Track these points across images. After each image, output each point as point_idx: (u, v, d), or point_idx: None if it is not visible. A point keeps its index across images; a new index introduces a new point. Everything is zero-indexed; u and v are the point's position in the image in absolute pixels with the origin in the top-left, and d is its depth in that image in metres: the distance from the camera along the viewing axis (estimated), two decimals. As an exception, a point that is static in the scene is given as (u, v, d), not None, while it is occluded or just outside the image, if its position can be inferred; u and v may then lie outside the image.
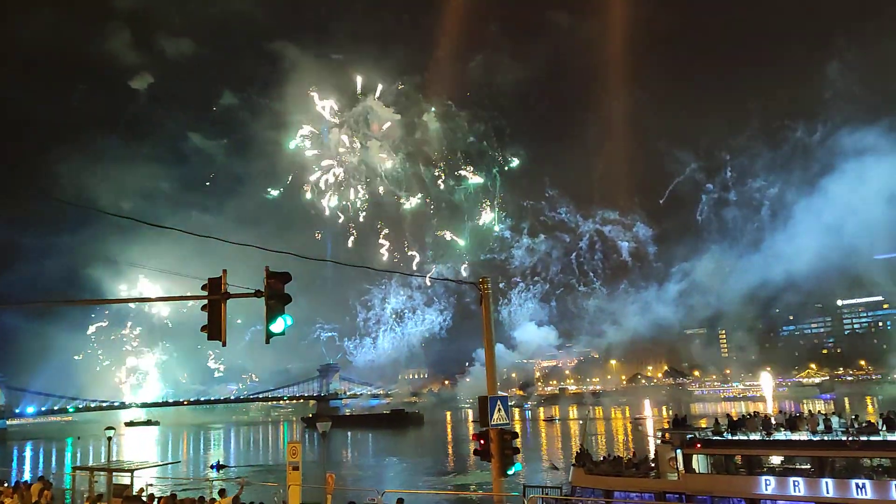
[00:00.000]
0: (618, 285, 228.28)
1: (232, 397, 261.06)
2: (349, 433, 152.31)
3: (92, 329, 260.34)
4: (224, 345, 16.68)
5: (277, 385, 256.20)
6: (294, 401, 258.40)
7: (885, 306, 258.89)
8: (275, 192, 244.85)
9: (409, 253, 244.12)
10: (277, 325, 16.29)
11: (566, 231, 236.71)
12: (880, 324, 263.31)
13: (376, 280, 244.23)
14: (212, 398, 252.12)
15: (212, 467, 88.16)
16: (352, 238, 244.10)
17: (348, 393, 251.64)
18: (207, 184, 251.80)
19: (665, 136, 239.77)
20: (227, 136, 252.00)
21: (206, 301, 16.59)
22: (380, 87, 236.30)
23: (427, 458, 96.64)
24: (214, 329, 16.52)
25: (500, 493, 19.63)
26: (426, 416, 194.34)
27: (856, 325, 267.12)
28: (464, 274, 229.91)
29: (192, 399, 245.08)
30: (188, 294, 17.85)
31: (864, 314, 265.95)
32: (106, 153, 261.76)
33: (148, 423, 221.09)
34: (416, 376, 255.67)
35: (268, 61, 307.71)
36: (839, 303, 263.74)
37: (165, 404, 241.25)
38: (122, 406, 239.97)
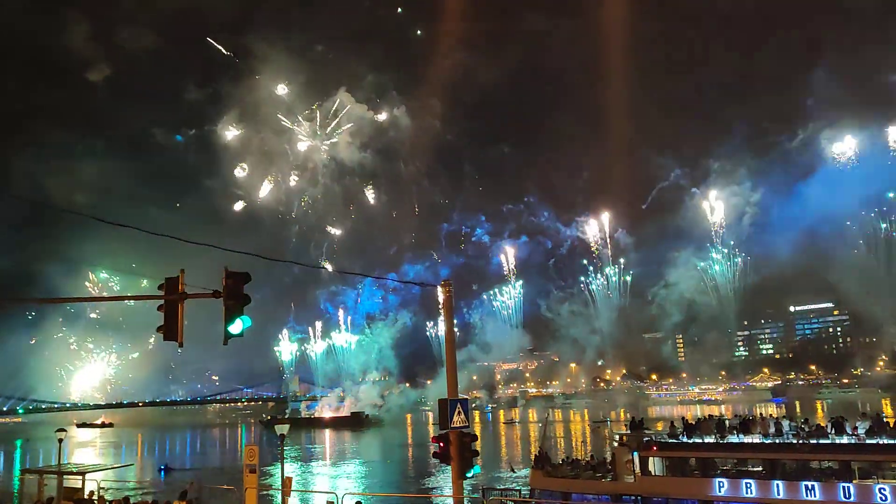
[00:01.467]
0: (583, 290, 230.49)
1: (189, 399, 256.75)
2: (308, 435, 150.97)
3: (42, 328, 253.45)
4: (181, 346, 16.38)
5: (237, 386, 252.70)
6: (252, 403, 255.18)
7: (836, 312, 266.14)
8: (240, 188, 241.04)
9: (389, 252, 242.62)
10: (235, 327, 16.08)
11: (546, 235, 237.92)
12: (830, 329, 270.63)
13: (349, 281, 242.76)
14: (168, 399, 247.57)
15: (159, 470, 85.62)
16: (315, 235, 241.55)
17: (307, 395, 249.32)
18: (175, 185, 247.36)
19: (648, 140, 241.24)
20: (192, 131, 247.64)
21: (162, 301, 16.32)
22: (351, 83, 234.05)
23: (386, 460, 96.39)
24: (171, 330, 16.23)
25: (458, 496, 19.65)
26: (391, 418, 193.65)
27: (807, 331, 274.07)
28: (443, 275, 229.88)
29: (147, 400, 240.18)
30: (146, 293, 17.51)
31: (815, 320, 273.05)
32: (61, 147, 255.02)
33: (101, 424, 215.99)
34: (383, 379, 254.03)
35: (235, 55, 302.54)
36: (791, 309, 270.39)
37: (119, 405, 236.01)
38: (74, 407, 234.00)
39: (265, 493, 42.67)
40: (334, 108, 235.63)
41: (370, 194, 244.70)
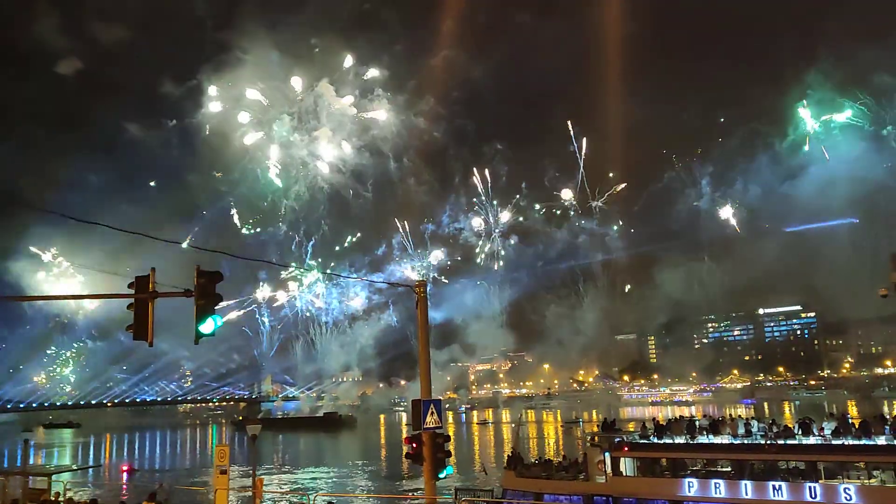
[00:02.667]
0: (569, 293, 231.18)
1: (159, 399, 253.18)
2: (281, 436, 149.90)
3: (8, 326, 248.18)
4: (151, 345, 16.15)
5: (208, 386, 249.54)
6: (224, 403, 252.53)
7: (803, 315, 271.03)
8: (222, 185, 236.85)
9: (376, 251, 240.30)
10: (207, 326, 15.92)
11: (536, 237, 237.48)
12: (798, 332, 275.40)
13: (334, 279, 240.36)
14: (137, 399, 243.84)
15: (123, 472, 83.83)
16: (301, 230, 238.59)
17: (280, 395, 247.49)
18: (150, 181, 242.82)
19: (643, 142, 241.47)
20: (168, 127, 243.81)
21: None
22: (334, 77, 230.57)
23: (359, 461, 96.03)
24: (141, 329, 16.01)
25: (431, 496, 19.65)
26: (368, 418, 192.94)
27: (776, 333, 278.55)
28: (432, 275, 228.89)
29: (116, 400, 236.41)
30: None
31: (784, 322, 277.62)
32: (30, 142, 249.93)
33: (69, 425, 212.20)
34: (360, 378, 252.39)
35: (213, 50, 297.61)
36: (760, 311, 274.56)
37: (88, 406, 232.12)
38: (42, 407, 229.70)
39: (236, 494, 42.28)
40: (316, 102, 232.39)
41: (354, 191, 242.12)
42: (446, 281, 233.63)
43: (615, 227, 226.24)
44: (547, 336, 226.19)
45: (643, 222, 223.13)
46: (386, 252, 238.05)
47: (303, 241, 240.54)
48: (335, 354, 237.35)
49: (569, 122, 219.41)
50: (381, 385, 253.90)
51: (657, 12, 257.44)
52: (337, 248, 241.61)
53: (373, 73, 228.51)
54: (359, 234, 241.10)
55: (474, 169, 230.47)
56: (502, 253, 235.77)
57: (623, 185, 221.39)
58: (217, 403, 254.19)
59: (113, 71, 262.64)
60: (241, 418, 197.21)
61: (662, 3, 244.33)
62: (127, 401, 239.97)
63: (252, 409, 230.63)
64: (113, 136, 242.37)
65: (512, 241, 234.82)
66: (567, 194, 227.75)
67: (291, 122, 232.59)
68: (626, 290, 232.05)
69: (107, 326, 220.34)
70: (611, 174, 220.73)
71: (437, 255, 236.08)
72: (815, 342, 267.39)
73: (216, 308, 16.12)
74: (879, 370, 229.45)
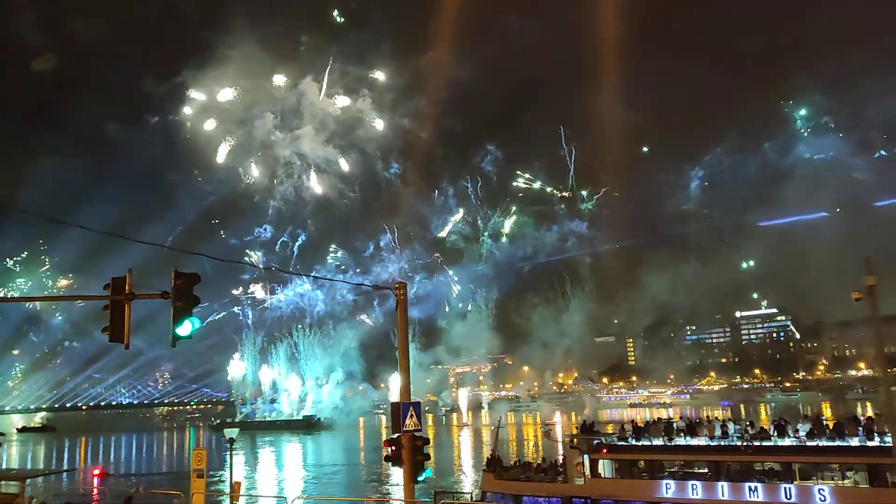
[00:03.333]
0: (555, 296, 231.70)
1: (135, 401, 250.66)
2: (258, 439, 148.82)
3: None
4: (127, 348, 15.99)
5: (186, 388, 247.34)
6: (202, 406, 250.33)
7: (779, 318, 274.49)
8: (203, 183, 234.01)
9: (363, 252, 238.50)
10: (184, 329, 15.78)
11: (523, 239, 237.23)
12: (774, 334, 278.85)
13: (318, 281, 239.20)
14: (113, 401, 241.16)
15: (94, 476, 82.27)
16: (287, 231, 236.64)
17: (258, 398, 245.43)
18: (130, 179, 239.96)
19: (633, 145, 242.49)
20: (149, 125, 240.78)
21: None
22: (320, 76, 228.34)
23: (338, 464, 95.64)
24: (117, 331, 15.83)
25: (410, 499, 19.62)
26: (350, 421, 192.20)
27: (752, 336, 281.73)
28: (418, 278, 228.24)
29: (91, 403, 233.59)
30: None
31: (760, 325, 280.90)
32: (4, 140, 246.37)
33: (43, 428, 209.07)
34: (340, 381, 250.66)
35: (196, 47, 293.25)
36: (737, 314, 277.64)
37: (62, 409, 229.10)
38: (14, 411, 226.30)
39: (213, 498, 41.92)
40: (300, 101, 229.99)
41: (340, 192, 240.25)
42: (432, 282, 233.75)
43: (601, 230, 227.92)
44: (529, 338, 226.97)
45: (630, 224, 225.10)
46: (373, 253, 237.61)
47: (288, 241, 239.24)
48: (318, 356, 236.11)
49: (561, 128, 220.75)
50: (360, 388, 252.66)
51: (646, 14, 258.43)
52: (322, 249, 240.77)
53: (359, 72, 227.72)
54: (345, 235, 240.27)
55: (462, 171, 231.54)
56: (490, 255, 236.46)
57: (607, 189, 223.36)
58: (194, 406, 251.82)
59: (92, 68, 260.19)
60: (218, 421, 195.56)
61: (651, 5, 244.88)
62: (103, 403, 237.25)
63: (230, 412, 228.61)
64: (92, 134, 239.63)
65: (498, 243, 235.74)
66: (556, 196, 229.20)
67: (274, 121, 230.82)
68: (608, 293, 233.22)
69: (83, 325, 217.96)
70: (604, 177, 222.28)
71: (423, 257, 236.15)
72: (791, 345, 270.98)
73: (194, 310, 16.00)
74: (853, 372, 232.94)
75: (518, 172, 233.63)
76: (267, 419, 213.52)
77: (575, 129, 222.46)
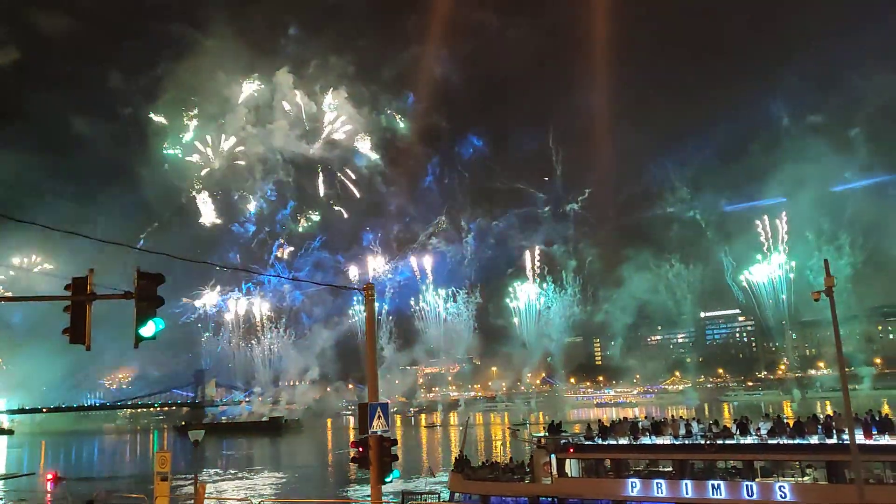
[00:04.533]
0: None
1: (98, 403, 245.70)
2: (225, 442, 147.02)
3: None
4: (88, 349, 15.65)
5: (149, 390, 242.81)
6: (167, 408, 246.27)
7: (742, 318, 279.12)
8: (172, 180, 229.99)
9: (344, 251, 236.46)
10: (148, 329, 15.51)
11: (509, 242, 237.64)
12: (737, 335, 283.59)
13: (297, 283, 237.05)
14: (75, 404, 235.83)
15: (48, 481, 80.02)
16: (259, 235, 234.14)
17: (224, 400, 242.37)
18: (97, 176, 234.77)
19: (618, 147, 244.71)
20: (115, 121, 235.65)
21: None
22: (295, 68, 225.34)
23: (306, 466, 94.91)
24: (77, 333, 15.50)
25: (377, 501, 19.55)
26: (321, 423, 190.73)
27: (716, 336, 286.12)
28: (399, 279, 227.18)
29: (51, 406, 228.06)
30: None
31: (723, 326, 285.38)
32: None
33: (0, 431, 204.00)
34: (311, 382, 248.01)
35: (162, 42, 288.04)
36: (701, 314, 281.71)
37: (21, 411, 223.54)
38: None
39: (178, 501, 41.30)
40: (273, 96, 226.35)
41: (321, 190, 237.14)
42: (411, 282, 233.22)
43: (581, 230, 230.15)
44: (500, 339, 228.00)
45: (613, 226, 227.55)
46: (354, 252, 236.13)
47: (266, 240, 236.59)
48: (289, 357, 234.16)
49: (550, 135, 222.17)
50: (328, 389, 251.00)
51: (631, 14, 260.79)
52: (302, 248, 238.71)
53: (337, 66, 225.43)
54: (326, 235, 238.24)
55: (443, 170, 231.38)
56: (473, 257, 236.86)
57: (589, 191, 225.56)
58: (159, 408, 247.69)
59: (55, 62, 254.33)
60: (183, 423, 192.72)
61: (638, 5, 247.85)
62: (63, 406, 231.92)
63: (196, 414, 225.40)
64: (56, 130, 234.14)
65: (483, 243, 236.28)
66: (541, 198, 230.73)
67: (248, 116, 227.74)
68: (583, 294, 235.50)
69: (42, 326, 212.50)
70: (589, 178, 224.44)
71: (403, 256, 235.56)
72: (753, 345, 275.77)
73: (157, 311, 15.74)
74: (813, 371, 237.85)
75: (500, 171, 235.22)
76: (236, 421, 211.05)
77: (560, 130, 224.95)
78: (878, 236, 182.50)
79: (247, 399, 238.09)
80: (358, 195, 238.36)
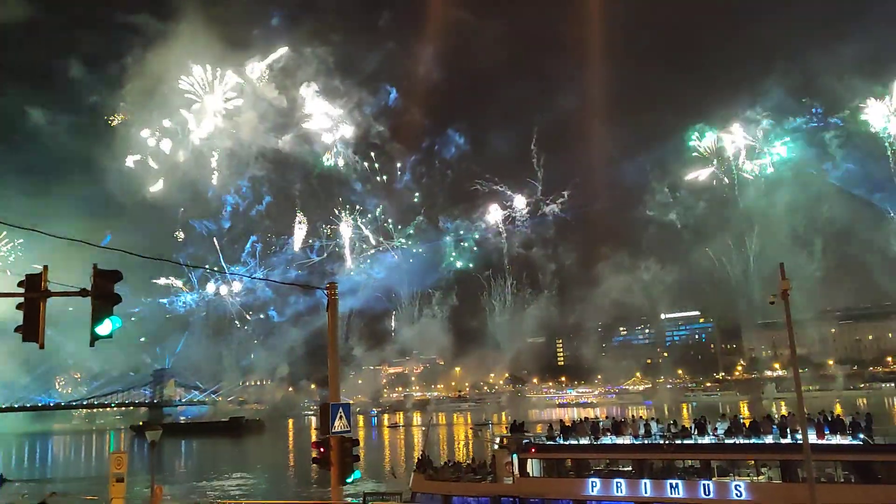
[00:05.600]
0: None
1: (52, 403, 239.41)
2: (184, 442, 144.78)
3: None
4: (41, 347, 15.29)
5: (105, 390, 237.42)
6: (123, 408, 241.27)
7: (701, 320, 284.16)
8: (133, 176, 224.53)
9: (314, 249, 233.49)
10: (104, 328, 15.22)
11: (482, 242, 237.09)
12: (696, 336, 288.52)
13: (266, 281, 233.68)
14: (27, 405, 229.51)
15: None
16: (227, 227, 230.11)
17: (184, 400, 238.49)
18: (47, 167, 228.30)
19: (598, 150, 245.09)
20: (74, 114, 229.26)
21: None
22: (269, 63, 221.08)
23: (267, 467, 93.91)
24: (30, 330, 15.14)
25: (338, 501, 19.46)
26: (284, 423, 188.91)
27: (675, 337, 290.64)
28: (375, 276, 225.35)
29: (3, 406, 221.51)
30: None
31: (683, 327, 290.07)
32: None
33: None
34: (271, 381, 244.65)
35: (126, 33, 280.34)
36: (662, 316, 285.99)
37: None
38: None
39: (134, 503, 40.54)
40: (245, 87, 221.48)
41: (290, 186, 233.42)
42: (380, 281, 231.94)
43: (558, 232, 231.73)
44: (473, 340, 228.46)
45: (590, 227, 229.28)
46: (328, 248, 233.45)
47: (237, 237, 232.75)
48: (255, 356, 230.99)
49: (532, 138, 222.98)
50: (290, 389, 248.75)
51: (612, 16, 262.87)
52: (274, 247, 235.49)
53: (312, 60, 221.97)
54: (299, 232, 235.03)
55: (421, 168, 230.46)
56: (446, 256, 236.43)
57: (567, 193, 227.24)
58: (116, 408, 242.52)
59: (10, 52, 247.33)
60: (141, 423, 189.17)
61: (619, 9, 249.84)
62: (17, 406, 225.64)
63: (155, 414, 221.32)
64: (11, 123, 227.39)
65: (453, 244, 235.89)
66: (520, 201, 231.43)
67: (218, 108, 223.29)
68: (549, 295, 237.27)
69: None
70: (567, 185, 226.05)
71: (379, 255, 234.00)
72: (712, 346, 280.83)
73: (114, 308, 15.45)
74: (769, 372, 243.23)
75: (480, 171, 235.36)
76: (196, 421, 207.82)
77: (542, 132, 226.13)
78: (847, 241, 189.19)
79: (207, 399, 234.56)
80: (333, 192, 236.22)
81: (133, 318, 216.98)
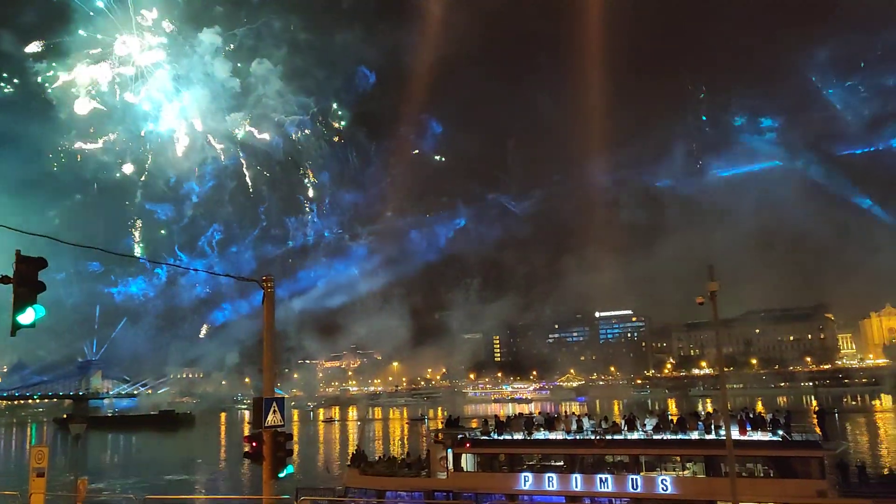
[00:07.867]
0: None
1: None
2: (111, 436, 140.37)
3: None
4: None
5: (26, 381, 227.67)
6: (46, 400, 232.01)
7: (634, 319, 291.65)
8: (76, 156, 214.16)
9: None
10: (27, 316, 14.63)
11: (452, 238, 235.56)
12: (629, 334, 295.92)
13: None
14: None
15: None
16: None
17: (112, 392, 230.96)
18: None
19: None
20: (14, 89, 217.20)
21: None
22: (217, 35, 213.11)
23: (198, 461, 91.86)
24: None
25: (269, 496, 19.22)
26: (210, 417, 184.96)
27: (609, 335, 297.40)
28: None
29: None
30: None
31: (617, 325, 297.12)
32: None
33: None
34: (203, 374, 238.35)
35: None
36: (596, 314, 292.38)
37: None
38: None
39: (55, 498, 39.12)
40: (196, 61, 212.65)
41: (252, 175, 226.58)
42: (339, 274, 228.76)
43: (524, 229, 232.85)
44: (427, 335, 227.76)
45: (541, 225, 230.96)
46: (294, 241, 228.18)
47: (196, 225, 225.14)
48: (198, 349, 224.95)
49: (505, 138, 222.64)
50: (223, 382, 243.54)
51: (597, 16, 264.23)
52: (239, 236, 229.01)
53: (271, 35, 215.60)
54: (264, 223, 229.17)
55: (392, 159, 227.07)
56: (409, 251, 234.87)
57: (541, 190, 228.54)
58: (38, 400, 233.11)
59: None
60: (65, 416, 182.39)
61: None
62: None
63: (80, 407, 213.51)
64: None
65: (418, 238, 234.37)
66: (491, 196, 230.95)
67: (168, 83, 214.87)
68: (488, 291, 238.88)
69: None
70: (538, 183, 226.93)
71: (342, 248, 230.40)
72: (643, 344, 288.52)
73: (38, 296, 14.87)
74: (696, 371, 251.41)
75: (450, 167, 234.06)
76: (124, 414, 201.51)
77: (513, 132, 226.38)
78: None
79: (136, 392, 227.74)
80: (294, 182, 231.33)
81: (70, 306, 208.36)
